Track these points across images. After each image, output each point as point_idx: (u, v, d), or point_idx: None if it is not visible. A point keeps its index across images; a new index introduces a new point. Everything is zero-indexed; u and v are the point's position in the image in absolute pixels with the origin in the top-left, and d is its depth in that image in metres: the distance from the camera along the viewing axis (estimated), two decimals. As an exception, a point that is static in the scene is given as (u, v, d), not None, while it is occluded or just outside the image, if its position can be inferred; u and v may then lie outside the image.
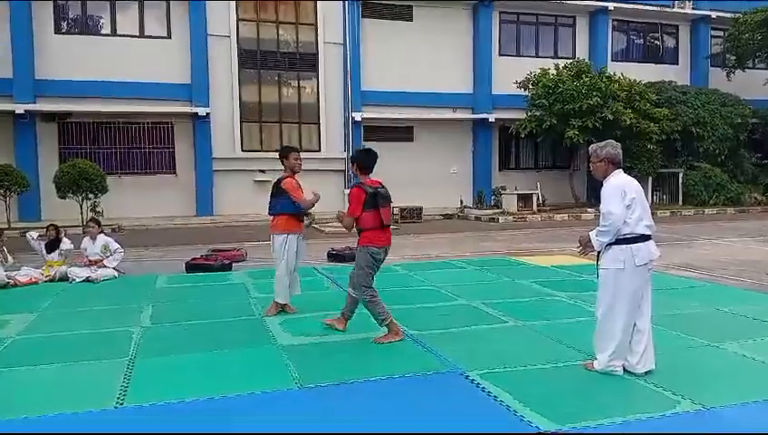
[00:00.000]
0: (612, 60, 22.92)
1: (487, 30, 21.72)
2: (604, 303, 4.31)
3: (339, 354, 4.95)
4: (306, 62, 20.31)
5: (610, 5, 22.76)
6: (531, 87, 19.84)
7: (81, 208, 15.68)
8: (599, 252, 4.36)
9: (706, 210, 20.13)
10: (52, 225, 8.99)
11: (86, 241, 8.75)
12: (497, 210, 19.65)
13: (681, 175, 21.43)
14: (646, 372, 4.30)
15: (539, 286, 7.69)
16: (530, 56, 22.41)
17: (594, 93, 18.58)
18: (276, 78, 20.18)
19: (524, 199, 19.94)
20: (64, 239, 8.79)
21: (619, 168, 4.38)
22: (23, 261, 9.06)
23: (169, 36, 18.96)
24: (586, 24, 23.22)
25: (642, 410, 3.73)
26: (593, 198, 20.32)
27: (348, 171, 20.06)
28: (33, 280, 8.19)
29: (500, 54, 22.12)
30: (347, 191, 18.73)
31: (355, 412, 3.78)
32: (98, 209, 15.65)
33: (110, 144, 18.77)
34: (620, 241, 4.22)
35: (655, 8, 23.48)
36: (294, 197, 6.08)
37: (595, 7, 22.77)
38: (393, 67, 20.65)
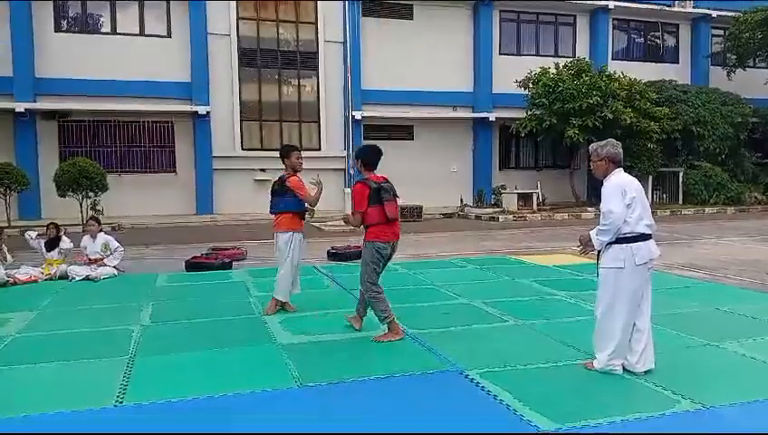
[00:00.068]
0: (613, 59, 22.89)
1: (488, 29, 21.70)
2: (604, 302, 4.31)
3: (338, 353, 4.95)
4: (306, 61, 20.30)
5: (611, 4, 22.71)
6: (531, 86, 19.79)
7: (81, 207, 15.67)
8: (599, 251, 4.36)
9: (707, 209, 20.10)
10: (52, 223, 8.99)
11: (86, 239, 8.75)
12: (497, 209, 19.63)
13: (681, 174, 21.39)
14: (645, 372, 4.30)
15: (539, 285, 7.68)
16: (530, 55, 22.36)
17: (594, 92, 18.54)
18: (276, 76, 20.16)
19: (524, 198, 19.94)
20: (64, 238, 8.79)
21: (619, 167, 4.38)
22: (22, 259, 9.07)
23: (169, 35, 18.94)
24: (586, 22, 23.19)
25: (642, 409, 3.72)
26: (593, 197, 20.32)
27: (348, 170, 20.05)
28: (33, 278, 8.19)
29: (500, 53, 22.09)
30: (347, 190, 18.74)
31: (355, 411, 3.78)
32: (98, 208, 15.65)
33: (111, 143, 18.76)
34: (620, 240, 4.21)
35: (655, 7, 23.43)
36: (301, 195, 6.14)
37: (595, 6, 22.72)
38: (393, 66, 20.64)
